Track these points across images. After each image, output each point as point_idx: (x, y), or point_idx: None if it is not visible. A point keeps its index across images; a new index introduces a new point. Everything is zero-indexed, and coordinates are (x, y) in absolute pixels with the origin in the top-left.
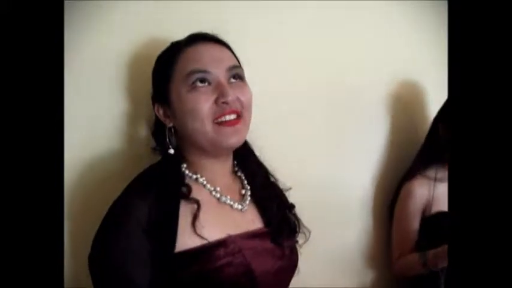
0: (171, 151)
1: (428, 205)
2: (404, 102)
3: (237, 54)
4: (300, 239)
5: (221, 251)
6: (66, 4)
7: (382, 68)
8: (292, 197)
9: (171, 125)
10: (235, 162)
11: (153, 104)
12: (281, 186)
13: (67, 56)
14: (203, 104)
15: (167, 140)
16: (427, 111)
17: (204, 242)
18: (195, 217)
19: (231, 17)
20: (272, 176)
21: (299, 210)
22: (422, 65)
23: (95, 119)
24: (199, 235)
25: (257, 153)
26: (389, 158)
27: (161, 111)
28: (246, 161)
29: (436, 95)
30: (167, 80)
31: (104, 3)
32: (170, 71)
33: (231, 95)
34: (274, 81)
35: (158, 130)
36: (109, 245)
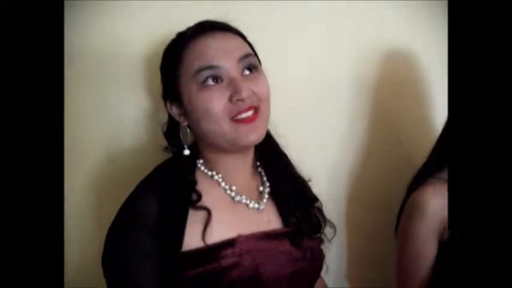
0: (187, 152)
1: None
2: (402, 83)
3: (258, 45)
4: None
5: (228, 251)
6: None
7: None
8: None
9: (185, 123)
10: (256, 155)
11: (165, 102)
12: (305, 177)
13: (86, 54)
14: (217, 103)
15: (181, 140)
16: (438, 92)
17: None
18: (206, 225)
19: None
20: (293, 167)
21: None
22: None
23: (117, 115)
24: (206, 244)
25: (280, 141)
26: (387, 156)
27: (174, 109)
28: (266, 152)
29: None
30: (176, 78)
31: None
32: (177, 68)
33: (246, 91)
34: (294, 72)
35: (171, 129)
36: (117, 247)
